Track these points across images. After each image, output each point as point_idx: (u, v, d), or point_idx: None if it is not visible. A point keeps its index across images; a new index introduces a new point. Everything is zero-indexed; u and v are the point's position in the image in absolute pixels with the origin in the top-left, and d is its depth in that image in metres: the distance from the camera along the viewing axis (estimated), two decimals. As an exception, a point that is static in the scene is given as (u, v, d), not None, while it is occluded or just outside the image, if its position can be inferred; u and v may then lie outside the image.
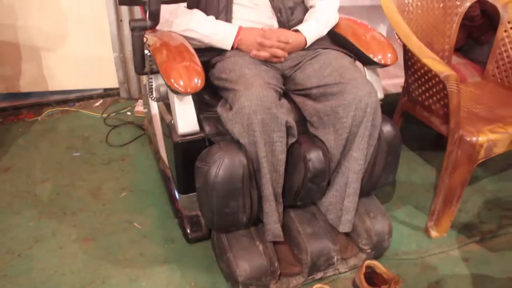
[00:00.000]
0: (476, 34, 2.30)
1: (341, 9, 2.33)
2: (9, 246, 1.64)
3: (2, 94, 2.60)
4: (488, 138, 1.59)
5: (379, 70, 1.68)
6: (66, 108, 2.58)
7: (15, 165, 2.08)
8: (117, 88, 2.69)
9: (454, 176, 1.67)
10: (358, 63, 1.64)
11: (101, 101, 2.67)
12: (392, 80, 2.15)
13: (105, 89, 2.72)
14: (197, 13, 1.54)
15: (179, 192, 1.60)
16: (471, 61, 2.29)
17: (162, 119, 1.59)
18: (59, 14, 2.45)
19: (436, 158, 2.17)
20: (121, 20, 2.46)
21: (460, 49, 2.36)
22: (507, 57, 2.01)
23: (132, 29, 1.40)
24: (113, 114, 2.53)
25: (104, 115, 2.50)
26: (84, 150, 2.20)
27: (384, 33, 2.43)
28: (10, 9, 2.39)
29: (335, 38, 1.69)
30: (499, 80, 2.05)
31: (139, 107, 2.51)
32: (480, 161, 1.61)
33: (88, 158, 2.14)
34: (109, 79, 2.66)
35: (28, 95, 2.63)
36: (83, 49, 2.56)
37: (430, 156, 2.21)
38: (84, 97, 2.66)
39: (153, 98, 1.53)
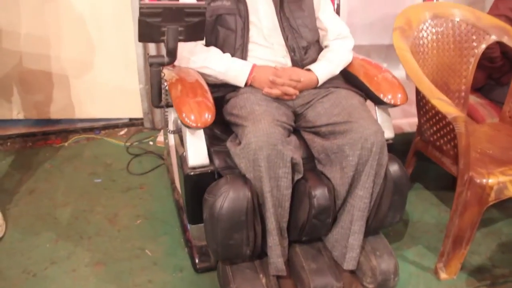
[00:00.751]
0: (496, 75, 2.30)
1: (361, 48, 2.40)
2: (26, 265, 1.71)
3: (32, 119, 2.73)
4: (498, 180, 1.58)
5: (395, 109, 1.71)
6: (92, 136, 2.69)
7: (39, 188, 2.17)
8: (142, 118, 2.78)
9: (463, 217, 1.67)
10: (370, 103, 1.69)
11: (125, 130, 2.77)
12: (408, 119, 2.17)
13: (130, 119, 2.82)
14: (213, 50, 1.62)
15: (189, 222, 1.66)
16: (491, 102, 2.28)
17: (176, 151, 1.66)
18: (90, 46, 2.59)
19: (451, 199, 2.11)
20: (148, 54, 2.57)
21: (481, 89, 2.37)
22: (524, 99, 2.01)
23: (151, 65, 1.49)
24: (136, 143, 2.62)
25: (127, 144, 2.59)
26: (105, 177, 2.28)
27: (404, 73, 2.46)
28: (46, 41, 2.55)
29: (347, 77, 1.75)
30: (516, 122, 2.05)
31: (161, 138, 2.59)
32: (491, 203, 1.61)
33: (109, 185, 2.22)
34: (134, 109, 2.77)
35: (57, 121, 2.75)
36: (111, 79, 2.68)
37: (445, 196, 2.20)
38: (110, 126, 2.77)
39: (169, 131, 1.60)
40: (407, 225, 2.00)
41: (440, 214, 2.09)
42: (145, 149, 2.54)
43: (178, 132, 1.60)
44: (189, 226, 1.74)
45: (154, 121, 2.76)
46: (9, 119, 2.71)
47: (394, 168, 1.54)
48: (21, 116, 2.72)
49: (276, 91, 1.55)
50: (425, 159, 2.00)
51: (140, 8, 1.35)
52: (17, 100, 2.68)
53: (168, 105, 1.55)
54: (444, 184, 2.27)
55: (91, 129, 2.74)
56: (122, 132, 2.75)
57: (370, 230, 1.57)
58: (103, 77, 2.67)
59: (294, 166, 1.43)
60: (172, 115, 1.61)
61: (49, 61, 2.60)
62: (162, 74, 1.52)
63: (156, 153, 2.49)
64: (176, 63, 1.54)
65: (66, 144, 2.60)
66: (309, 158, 1.55)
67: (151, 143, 2.63)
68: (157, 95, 1.54)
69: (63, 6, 2.49)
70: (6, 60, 2.57)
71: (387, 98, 1.61)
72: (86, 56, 2.61)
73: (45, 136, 2.67)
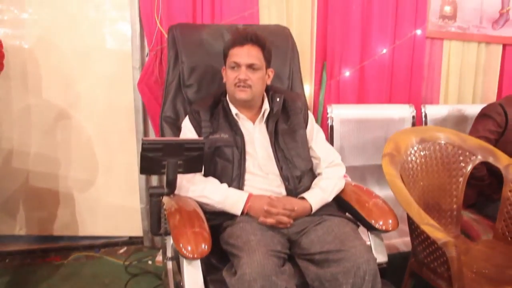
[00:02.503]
0: (487, 191, 2.36)
1: (355, 169, 2.51)
2: None
3: (34, 235, 2.77)
4: (495, 302, 1.59)
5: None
6: (91, 254, 2.70)
7: (35, 308, 2.16)
8: (141, 237, 2.82)
9: None
10: (363, 228, 1.74)
11: (125, 248, 2.79)
12: (403, 238, 2.20)
13: (130, 237, 2.85)
14: (211, 180, 1.71)
15: None
16: (484, 218, 2.32)
17: (173, 277, 1.68)
18: (96, 166, 2.72)
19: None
20: (150, 176, 2.68)
21: (474, 206, 2.42)
22: (515, 215, 2.05)
23: (150, 195, 1.57)
24: (135, 262, 2.62)
25: (126, 263, 2.60)
26: (103, 298, 2.27)
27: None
28: (54, 160, 2.68)
29: (340, 203, 1.81)
30: (510, 239, 2.06)
31: (160, 257, 2.61)
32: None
33: (106, 306, 2.21)
34: (134, 227, 2.81)
35: (58, 238, 2.78)
36: (113, 198, 2.76)
37: (446, 316, 2.16)
38: (110, 244, 2.80)
39: (167, 257, 1.64)
40: None
41: (441, 337, 2.04)
42: (144, 269, 2.54)
43: (176, 259, 1.63)
44: None
45: (154, 240, 2.79)
46: (10, 235, 2.75)
47: (389, 294, 1.55)
48: (22, 232, 2.77)
49: (271, 220, 1.61)
50: (421, 279, 2.00)
51: (143, 144, 1.46)
52: (21, 216, 2.74)
53: (167, 233, 1.60)
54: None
55: (91, 247, 2.76)
56: (121, 251, 2.76)
57: None
58: (106, 196, 2.76)
59: (288, 296, 1.44)
60: (170, 242, 1.65)
61: (55, 180, 2.70)
62: (162, 203, 1.59)
63: (155, 272, 2.49)
64: (175, 191, 1.62)
65: (65, 261, 2.61)
66: (304, 286, 1.56)
67: (150, 262, 2.63)
68: (156, 224, 1.60)
69: (73, 129, 2.66)
70: (14, 179, 2.68)
71: (378, 224, 1.67)
72: (91, 176, 2.72)
73: (45, 254, 2.69)
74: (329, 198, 1.77)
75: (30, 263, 2.60)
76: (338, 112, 2.57)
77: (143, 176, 2.68)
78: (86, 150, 2.68)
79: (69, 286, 2.36)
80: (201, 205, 1.67)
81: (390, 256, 1.77)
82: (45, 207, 2.74)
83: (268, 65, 1.83)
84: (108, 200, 2.76)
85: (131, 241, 2.84)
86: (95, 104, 2.64)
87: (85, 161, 2.70)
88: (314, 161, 1.88)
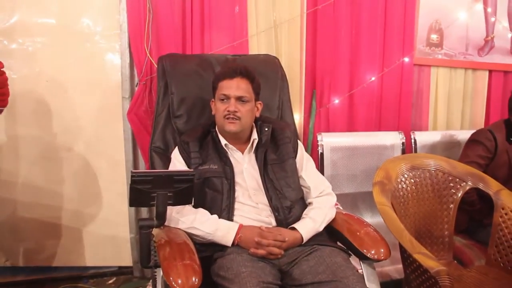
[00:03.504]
0: (478, 217, 2.36)
1: (347, 196, 2.51)
2: None
3: (19, 267, 2.71)
4: (489, 330, 1.58)
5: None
6: (80, 285, 2.65)
7: None
8: (131, 267, 2.77)
9: None
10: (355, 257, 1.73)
11: (114, 278, 2.73)
12: (395, 266, 2.18)
13: (120, 267, 2.80)
14: (201, 212, 1.70)
15: None
16: (476, 243, 2.33)
17: (163, 311, 1.65)
18: (84, 197, 2.68)
19: None
20: (140, 218, 2.65)
21: (465, 231, 2.42)
22: (506, 241, 2.03)
23: (140, 228, 1.55)
24: (125, 293, 2.59)
25: (116, 294, 2.56)
26: (89, 334, 2.22)
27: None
28: (42, 191, 2.64)
29: (331, 233, 1.81)
30: (502, 265, 2.05)
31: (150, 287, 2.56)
32: None
33: None
34: (124, 258, 2.76)
35: (45, 269, 2.72)
36: (102, 228, 2.72)
37: None
38: (98, 274, 2.74)
39: (157, 291, 1.61)
40: None
41: None
42: (133, 300, 2.50)
43: (166, 292, 1.60)
44: None
45: (144, 270, 2.74)
46: (-5, 267, 2.70)
47: (382, 326, 1.53)
48: (8, 264, 2.71)
49: (261, 251, 1.59)
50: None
51: (132, 176, 1.45)
52: (7, 247, 2.69)
53: (157, 265, 1.58)
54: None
55: (79, 278, 2.71)
56: (111, 281, 2.71)
57: None
58: (95, 226, 2.72)
59: (281, 328, 1.43)
60: (160, 274, 1.62)
61: (43, 210, 2.66)
62: (152, 235, 1.57)
63: (145, 304, 2.45)
64: (166, 222, 1.60)
65: (52, 294, 2.56)
66: (296, 318, 1.55)
67: (140, 293, 2.60)
68: (146, 256, 1.57)
69: (62, 159, 2.63)
70: (1, 209, 2.63)
71: (370, 254, 1.66)
72: (79, 206, 2.69)
73: (31, 285, 2.63)
74: (320, 228, 1.76)
75: (17, 295, 2.54)
76: (328, 140, 2.58)
77: (133, 208, 2.65)
78: (75, 180, 2.66)
79: (57, 320, 2.32)
80: (191, 236, 1.66)
81: (382, 284, 1.76)
82: (32, 238, 2.69)
83: (257, 97, 1.85)
84: (97, 230, 2.72)
85: (121, 271, 2.79)
86: (84, 135, 2.63)
87: (73, 191, 2.67)
88: (304, 190, 1.88)
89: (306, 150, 2.04)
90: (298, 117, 2.70)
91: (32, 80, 2.55)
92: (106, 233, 2.73)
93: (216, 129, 1.86)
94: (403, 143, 2.73)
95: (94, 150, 2.65)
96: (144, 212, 2.68)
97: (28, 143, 2.60)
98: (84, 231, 2.72)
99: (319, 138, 2.57)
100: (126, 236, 2.71)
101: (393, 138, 2.72)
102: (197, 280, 1.42)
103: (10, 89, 2.04)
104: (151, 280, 2.59)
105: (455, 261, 2.19)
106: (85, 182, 2.67)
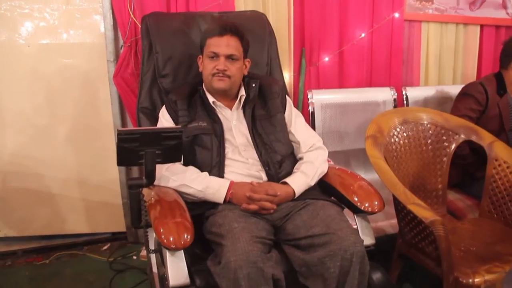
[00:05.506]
0: (470, 170, 2.37)
1: (339, 154, 2.49)
2: None
3: (13, 237, 2.70)
4: (484, 279, 1.59)
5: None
6: (74, 252, 2.65)
7: (17, 311, 2.10)
8: (125, 232, 2.76)
9: (454, 321, 1.64)
10: (348, 211, 1.72)
11: (108, 245, 2.73)
12: (390, 221, 2.18)
13: (113, 233, 2.79)
14: (191, 170, 1.68)
15: None
16: (469, 196, 2.33)
17: (157, 270, 1.64)
18: (74, 164, 2.65)
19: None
20: (130, 169, 2.63)
21: (459, 185, 2.42)
22: (499, 193, 2.05)
23: (129, 187, 1.52)
24: (119, 258, 2.57)
25: (110, 259, 2.55)
26: (87, 296, 2.22)
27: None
28: (31, 160, 2.60)
29: (324, 187, 1.79)
30: (495, 216, 2.07)
31: (144, 252, 2.56)
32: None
33: (90, 305, 2.16)
34: (117, 223, 2.75)
35: (39, 238, 2.71)
36: (93, 195, 2.70)
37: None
38: (93, 241, 2.74)
39: (149, 250, 1.60)
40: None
41: (431, 317, 2.04)
42: (128, 264, 2.49)
43: (159, 251, 1.59)
44: None
45: (138, 235, 2.73)
46: (-11, 237, 2.68)
47: (377, 276, 1.54)
48: (2, 234, 2.70)
49: (253, 207, 1.58)
50: (412, 260, 1.99)
51: (118, 134, 1.42)
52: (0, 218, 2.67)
53: (148, 225, 1.56)
54: (435, 283, 2.23)
55: (73, 245, 2.70)
56: (105, 247, 2.71)
57: None
58: (87, 193, 2.70)
59: (276, 282, 1.42)
60: (152, 234, 1.61)
61: (33, 179, 2.63)
62: (141, 195, 1.55)
63: (140, 267, 2.44)
64: (155, 181, 1.57)
65: (47, 261, 2.54)
66: (291, 272, 1.54)
67: (134, 257, 2.58)
68: (136, 216, 1.55)
69: (49, 126, 2.58)
70: (-10, 179, 2.60)
71: (364, 206, 1.65)
72: (70, 174, 2.65)
73: (26, 254, 2.62)
74: (312, 182, 1.74)
75: (11, 264, 2.53)
76: (318, 98, 2.54)
77: (124, 171, 2.62)
78: (63, 147, 2.61)
79: (53, 286, 2.31)
80: (182, 195, 1.63)
81: (377, 239, 1.76)
82: (24, 208, 2.66)
83: (245, 55, 1.82)
84: (88, 198, 2.70)
85: (115, 237, 2.78)
86: (71, 100, 2.57)
87: (62, 159, 2.63)
88: (294, 145, 1.85)
89: (297, 109, 2.00)
90: (288, 76, 2.65)
91: (12, 46, 2.47)
92: (98, 199, 2.71)
93: (204, 86, 1.82)
94: (394, 99, 2.69)
95: (82, 115, 2.59)
96: (136, 175, 2.65)
97: (12, 111, 2.54)
98: (76, 198, 2.70)
99: (309, 95, 2.53)
100: (118, 202, 2.69)
101: (384, 94, 2.68)
102: (189, 237, 1.40)
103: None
104: (144, 245, 2.61)
105: (449, 215, 2.20)
106: (74, 149, 2.63)
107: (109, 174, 2.65)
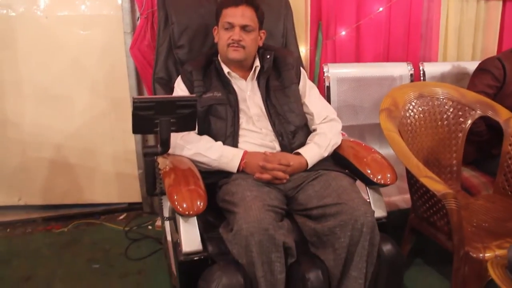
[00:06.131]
0: (486, 147, 2.34)
1: (354, 128, 2.48)
2: None
3: (32, 205, 2.78)
4: (495, 254, 1.59)
5: (389, 186, 1.73)
6: (91, 221, 2.71)
7: (36, 275, 2.16)
8: (141, 203, 2.82)
9: (464, 294, 1.66)
10: (361, 184, 1.72)
11: (125, 214, 2.79)
12: (402, 196, 2.18)
13: (129, 204, 2.85)
14: (206, 139, 1.70)
15: (184, 309, 1.64)
16: (485, 174, 2.32)
17: (171, 237, 1.68)
18: (92, 134, 2.69)
19: (452, 273, 2.12)
20: (146, 140, 2.67)
21: (474, 162, 2.41)
22: (515, 169, 2.04)
23: (145, 155, 1.55)
24: (135, 227, 2.63)
25: (126, 229, 2.61)
26: (104, 263, 2.28)
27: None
28: (50, 130, 2.66)
29: (337, 159, 1.80)
30: (510, 193, 2.06)
31: (160, 222, 2.61)
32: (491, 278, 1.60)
33: (107, 271, 2.21)
34: (133, 194, 2.81)
35: (57, 207, 2.79)
36: (111, 166, 2.75)
37: (447, 271, 2.15)
38: (109, 211, 2.80)
39: (164, 218, 1.63)
40: (410, 302, 1.98)
41: (442, 290, 2.06)
42: (144, 234, 2.55)
43: (173, 219, 1.62)
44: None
45: (153, 206, 2.78)
46: (10, 205, 2.76)
47: (388, 247, 1.54)
48: (22, 203, 2.77)
49: (266, 176, 1.60)
50: (424, 236, 2.00)
51: (134, 102, 1.43)
52: (19, 187, 2.74)
53: (162, 193, 1.59)
54: (446, 258, 2.24)
55: (91, 214, 2.77)
56: (121, 217, 2.77)
57: (367, 311, 1.55)
58: (104, 164, 2.75)
59: (287, 250, 1.44)
60: (166, 202, 1.64)
61: (52, 149, 2.69)
62: (156, 163, 1.58)
63: (155, 237, 2.50)
64: (170, 150, 1.60)
65: (65, 229, 2.61)
66: (302, 241, 1.56)
67: (150, 227, 2.64)
68: (151, 184, 1.59)
69: (67, 97, 2.62)
70: (11, 150, 2.67)
71: (376, 178, 1.65)
72: (88, 144, 2.70)
73: (46, 222, 2.70)
74: (325, 153, 1.75)
75: (31, 232, 2.61)
76: (334, 72, 2.53)
77: (140, 142, 2.66)
78: (81, 118, 2.65)
79: (71, 253, 2.37)
80: (196, 164, 1.65)
81: (390, 214, 1.77)
82: (43, 177, 2.73)
83: (260, 26, 1.82)
84: (106, 168, 2.75)
85: (131, 208, 2.84)
86: (88, 71, 2.60)
87: (80, 129, 2.67)
88: (308, 117, 1.86)
89: (313, 83, 2.00)
90: (304, 50, 2.64)
91: (31, 18, 2.50)
92: (115, 170, 2.76)
93: (219, 57, 1.83)
94: (411, 75, 2.66)
95: (99, 87, 2.63)
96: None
97: (32, 82, 2.58)
98: (93, 169, 2.75)
99: (325, 69, 2.52)
100: (134, 172, 2.74)
101: (401, 69, 2.65)
102: (202, 203, 1.42)
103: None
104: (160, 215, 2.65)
105: (463, 191, 2.19)
106: (91, 120, 2.67)
107: (126, 145, 2.70)
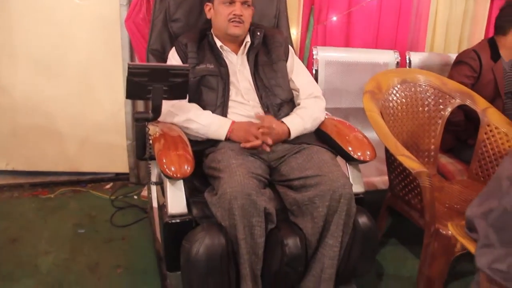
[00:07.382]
0: (463, 137, 2.44)
1: (339, 111, 2.55)
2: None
3: (20, 171, 2.82)
4: (463, 232, 1.68)
5: (369, 167, 1.80)
6: (78, 188, 2.77)
7: (22, 237, 2.22)
8: (127, 173, 2.88)
9: (432, 268, 1.75)
10: (341, 160, 1.80)
11: (111, 184, 2.85)
12: (381, 177, 2.26)
13: (116, 174, 2.91)
14: (196, 107, 1.77)
15: (167, 270, 1.70)
16: (461, 161, 2.41)
17: (157, 201, 1.74)
18: (82, 104, 2.74)
19: (424, 253, 2.21)
20: (136, 112, 2.70)
21: (451, 150, 2.50)
22: (488, 157, 2.13)
23: (136, 120, 1.61)
24: (121, 197, 2.69)
25: (112, 197, 2.67)
26: (89, 228, 2.34)
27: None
28: (40, 97, 2.68)
29: (320, 136, 1.87)
30: (482, 179, 2.16)
31: (145, 192, 2.67)
32: (458, 254, 1.70)
33: (92, 235, 2.27)
34: (120, 164, 2.86)
35: (45, 173, 2.84)
36: (100, 135, 2.80)
37: (420, 250, 2.26)
38: (96, 180, 2.86)
39: (151, 182, 1.70)
40: (382, 279, 2.06)
41: (414, 268, 2.12)
42: (129, 203, 2.61)
43: (160, 184, 1.69)
44: (167, 274, 1.79)
45: (140, 176, 2.84)
46: (-3, 170, 2.79)
47: (363, 219, 1.63)
48: (10, 167, 2.81)
49: (252, 143, 1.65)
50: (400, 215, 2.08)
51: (129, 68, 1.49)
52: (8, 152, 2.78)
53: (151, 158, 1.65)
54: (419, 240, 2.34)
55: (77, 182, 2.82)
56: (107, 186, 2.83)
57: (341, 278, 1.64)
58: (94, 133, 2.80)
59: (267, 215, 1.51)
60: (155, 168, 1.70)
61: (42, 116, 2.73)
62: (147, 129, 1.64)
63: (140, 206, 2.56)
64: (161, 117, 1.66)
65: (52, 195, 2.67)
66: (283, 210, 1.63)
67: (135, 197, 2.70)
68: (141, 148, 1.65)
69: (59, 66, 2.65)
70: (1, 114, 2.70)
71: (356, 155, 1.73)
72: (78, 113, 2.74)
73: (32, 188, 2.75)
74: (307, 125, 1.82)
75: (18, 196, 2.66)
76: (323, 55, 2.60)
77: (129, 114, 2.71)
78: (73, 87, 2.69)
79: (57, 217, 2.43)
80: (185, 132, 1.72)
81: (368, 193, 1.85)
82: (32, 144, 2.77)
83: (252, 3, 1.88)
84: (95, 138, 2.80)
85: (117, 177, 2.90)
86: (83, 41, 2.63)
87: (72, 98, 2.71)
88: (294, 93, 1.94)
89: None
90: (295, 33, 2.70)
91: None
92: (104, 141, 2.81)
93: (212, 31, 1.89)
94: (397, 63, 2.75)
95: (93, 57, 2.67)
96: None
97: (24, 49, 2.61)
98: (83, 138, 2.80)
99: (314, 51, 2.58)
100: (123, 143, 2.79)
101: (388, 57, 2.73)
102: (189, 168, 1.49)
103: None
104: (146, 185, 2.72)
105: (439, 175, 2.28)
106: (84, 90, 2.71)
107: (116, 116, 2.75)
